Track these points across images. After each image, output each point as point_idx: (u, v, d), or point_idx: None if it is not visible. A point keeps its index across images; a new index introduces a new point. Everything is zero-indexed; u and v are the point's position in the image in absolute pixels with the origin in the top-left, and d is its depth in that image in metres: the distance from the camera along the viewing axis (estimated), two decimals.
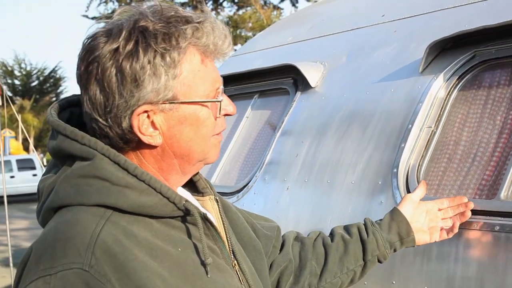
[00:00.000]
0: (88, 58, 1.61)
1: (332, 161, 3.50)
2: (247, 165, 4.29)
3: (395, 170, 3.12)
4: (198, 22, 1.64)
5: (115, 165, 1.61)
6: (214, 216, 1.85)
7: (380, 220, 2.44)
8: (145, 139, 1.64)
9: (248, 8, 23.75)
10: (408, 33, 3.76)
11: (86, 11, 28.36)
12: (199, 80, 1.66)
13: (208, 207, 1.87)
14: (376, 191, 3.16)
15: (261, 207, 3.81)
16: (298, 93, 4.10)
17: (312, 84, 4.01)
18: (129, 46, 1.58)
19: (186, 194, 1.85)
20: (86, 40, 1.65)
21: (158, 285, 1.54)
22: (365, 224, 2.40)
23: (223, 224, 1.84)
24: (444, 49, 3.33)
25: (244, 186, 4.04)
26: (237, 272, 1.79)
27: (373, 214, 3.09)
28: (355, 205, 3.23)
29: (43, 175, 1.74)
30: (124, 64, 1.57)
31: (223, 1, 23.65)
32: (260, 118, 4.45)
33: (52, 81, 60.59)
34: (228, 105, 1.74)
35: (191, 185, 1.89)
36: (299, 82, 4.15)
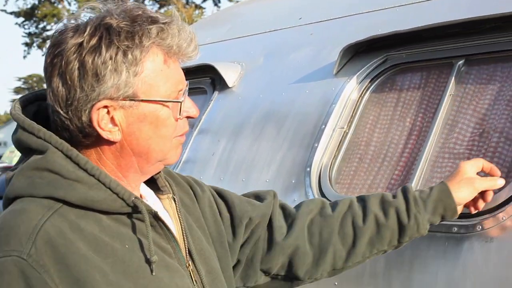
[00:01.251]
0: (54, 51, 1.65)
1: (248, 160, 3.55)
2: None
3: (308, 169, 3.19)
4: (164, 23, 1.68)
5: (67, 159, 1.64)
6: (172, 215, 1.86)
7: (428, 192, 2.20)
8: (104, 134, 1.67)
9: (170, 7, 23.64)
10: (324, 36, 3.84)
11: (4, 5, 27.77)
12: (161, 79, 1.68)
13: (166, 205, 1.88)
14: (289, 189, 3.22)
15: None
16: (216, 93, 4.14)
17: (229, 84, 4.05)
18: (93, 41, 1.61)
19: (148, 191, 1.87)
20: (55, 34, 1.68)
21: (97, 279, 1.57)
22: (407, 202, 2.17)
23: (180, 223, 1.85)
24: (357, 53, 3.43)
25: None
26: (191, 273, 1.80)
27: None
28: None
29: (13, 168, 1.78)
30: (87, 58, 1.61)
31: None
32: None
33: None
34: (190, 107, 1.76)
35: (155, 183, 1.90)
36: (216, 81, 4.19)
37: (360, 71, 3.34)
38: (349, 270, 2.76)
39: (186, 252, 1.81)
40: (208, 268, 1.89)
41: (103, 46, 1.61)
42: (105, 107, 1.65)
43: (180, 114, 1.73)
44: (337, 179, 3.17)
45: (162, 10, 23.98)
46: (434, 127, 2.94)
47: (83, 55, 1.61)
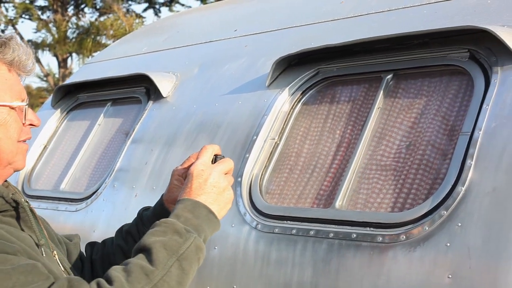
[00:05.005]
0: None
1: None
2: (98, 172, 4.30)
3: (239, 179, 3.22)
4: (6, 39, 1.87)
5: None
6: None
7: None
8: None
9: (110, 15, 23.43)
10: (258, 48, 3.89)
11: None
12: (8, 87, 1.86)
13: None
14: None
15: (109, 213, 3.84)
16: (150, 102, 4.16)
17: (163, 94, 4.07)
18: None
19: None
20: None
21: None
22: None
23: (38, 220, 1.97)
24: (290, 65, 3.49)
25: (94, 193, 4.05)
26: (57, 261, 1.93)
27: None
28: None
29: None
30: None
31: (84, 7, 23.26)
32: (112, 126, 4.46)
33: None
34: (33, 116, 1.93)
35: None
36: (151, 91, 4.21)
37: (292, 83, 3.40)
38: (277, 278, 2.81)
39: (50, 243, 1.95)
40: (64, 259, 2.03)
41: None
42: None
43: (25, 120, 1.89)
44: (268, 189, 3.21)
45: (102, 18, 23.73)
46: (363, 139, 3.01)
47: None
